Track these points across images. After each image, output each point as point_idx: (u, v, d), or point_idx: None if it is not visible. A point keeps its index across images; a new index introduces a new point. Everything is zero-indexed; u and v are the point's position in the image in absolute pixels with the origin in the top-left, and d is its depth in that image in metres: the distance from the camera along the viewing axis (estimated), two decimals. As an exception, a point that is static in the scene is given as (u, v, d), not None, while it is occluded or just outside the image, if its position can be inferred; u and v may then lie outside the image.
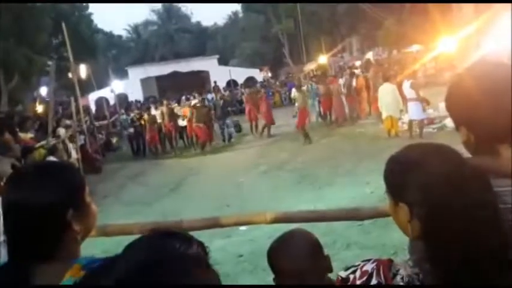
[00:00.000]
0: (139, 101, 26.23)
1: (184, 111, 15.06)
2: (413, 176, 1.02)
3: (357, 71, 19.48)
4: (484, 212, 0.98)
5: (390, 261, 1.07)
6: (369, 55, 35.48)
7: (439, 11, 21.04)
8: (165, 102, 16.16)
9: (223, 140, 14.83)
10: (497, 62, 1.25)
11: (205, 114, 14.00)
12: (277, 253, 1.53)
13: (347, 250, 4.82)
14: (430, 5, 21.72)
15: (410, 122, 11.06)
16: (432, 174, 0.99)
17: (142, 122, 14.81)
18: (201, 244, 1.01)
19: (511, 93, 1.14)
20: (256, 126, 15.78)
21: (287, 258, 1.49)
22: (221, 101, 17.80)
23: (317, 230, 2.85)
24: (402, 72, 14.41)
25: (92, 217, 1.24)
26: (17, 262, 1.13)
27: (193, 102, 16.04)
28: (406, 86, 11.10)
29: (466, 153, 1.36)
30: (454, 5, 19.06)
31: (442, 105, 12.50)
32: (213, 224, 2.68)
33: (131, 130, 15.56)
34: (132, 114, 16.83)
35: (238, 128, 15.77)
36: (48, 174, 1.18)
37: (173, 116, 14.87)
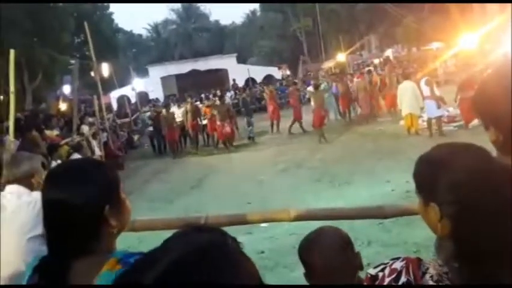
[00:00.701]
0: (155, 99, 26.38)
1: (205, 110, 14.99)
2: (443, 175, 1.02)
3: (371, 69, 19.29)
4: None
5: (419, 259, 1.07)
6: (388, 52, 35.13)
7: (459, 9, 20.77)
8: (189, 100, 16.01)
9: (249, 138, 14.63)
10: None
11: (227, 112, 13.87)
12: (308, 250, 1.56)
13: (368, 247, 4.85)
14: (451, 3, 21.44)
15: (429, 120, 10.98)
16: (462, 173, 1.00)
17: (162, 119, 14.56)
18: (234, 239, 1.07)
19: None
20: (278, 125, 15.72)
21: (318, 254, 1.51)
22: (248, 98, 17.32)
23: (337, 226, 2.91)
24: (422, 69, 14.30)
25: (127, 213, 1.28)
26: (56, 257, 1.18)
27: (208, 102, 16.10)
28: (422, 83, 11.05)
29: (493, 152, 1.40)
30: (475, 3, 18.84)
31: (463, 103, 12.35)
32: (239, 220, 2.67)
33: (151, 128, 15.57)
34: (149, 113, 16.97)
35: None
36: (85, 172, 1.22)
37: (197, 114, 14.81)
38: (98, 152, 11.72)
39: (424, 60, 22.77)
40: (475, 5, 18.49)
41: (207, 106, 15.25)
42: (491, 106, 1.23)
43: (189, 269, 0.64)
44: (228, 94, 25.91)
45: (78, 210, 1.15)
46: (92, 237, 1.17)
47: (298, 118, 14.91)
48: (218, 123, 13.67)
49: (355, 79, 16.67)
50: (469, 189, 0.99)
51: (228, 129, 13.53)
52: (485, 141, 1.30)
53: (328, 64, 33.67)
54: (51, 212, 1.19)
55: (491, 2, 18.57)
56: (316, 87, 14.27)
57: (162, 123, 14.37)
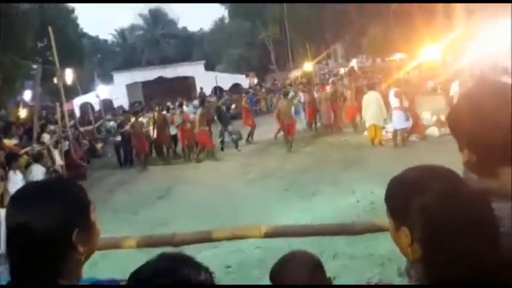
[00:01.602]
0: (120, 106, 25.87)
1: (175, 118, 14.19)
2: (414, 200, 1.02)
3: (335, 80, 19.54)
4: (484, 233, 0.98)
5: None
6: (353, 63, 35.88)
7: (423, 21, 21.44)
8: (157, 108, 15.48)
9: (222, 149, 13.93)
10: (498, 84, 1.27)
11: (208, 120, 13.20)
12: (280, 274, 1.57)
13: (334, 260, 4.86)
14: (415, 14, 22.11)
15: (395, 131, 11.20)
16: (432, 198, 1.00)
17: (130, 129, 13.67)
18: (207, 271, 1.04)
19: None
20: (253, 134, 15.43)
21: (290, 278, 1.53)
22: (224, 107, 16.98)
23: (304, 240, 2.89)
24: (386, 80, 14.63)
25: (96, 237, 1.22)
26: (19, 284, 1.11)
27: (184, 108, 15.49)
28: (391, 94, 11.27)
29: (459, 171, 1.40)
30: (439, 15, 19.49)
31: (425, 114, 12.73)
32: (206, 237, 2.64)
33: (118, 138, 14.47)
34: (118, 121, 15.88)
35: (239, 136, 14.28)
36: (53, 194, 1.15)
37: (165, 124, 14.10)
38: (59, 162, 11.38)
39: (388, 71, 23.30)
40: (439, 17, 19.13)
41: (180, 113, 14.33)
42: (464, 128, 1.23)
43: None
44: (195, 102, 25.81)
45: (44, 236, 1.08)
46: (58, 264, 1.11)
47: (252, 127, 14.89)
48: (198, 130, 12.86)
49: (315, 91, 16.79)
50: (439, 213, 0.99)
51: (209, 136, 13.04)
52: (443, 150, 1.31)
53: (295, 73, 34.03)
54: (14, 235, 1.11)
55: (491, 2, 19.24)
56: (285, 95, 14.23)
57: (131, 132, 13.58)
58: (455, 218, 0.98)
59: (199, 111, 13.49)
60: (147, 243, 2.65)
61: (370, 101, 11.68)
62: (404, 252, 1.07)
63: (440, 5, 18.07)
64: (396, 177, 1.12)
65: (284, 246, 5.10)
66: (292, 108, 14.35)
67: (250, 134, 15.43)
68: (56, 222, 1.09)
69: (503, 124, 1.15)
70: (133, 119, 13.95)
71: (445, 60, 16.15)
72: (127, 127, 14.02)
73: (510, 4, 16.14)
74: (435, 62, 20.59)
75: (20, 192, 1.22)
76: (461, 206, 0.99)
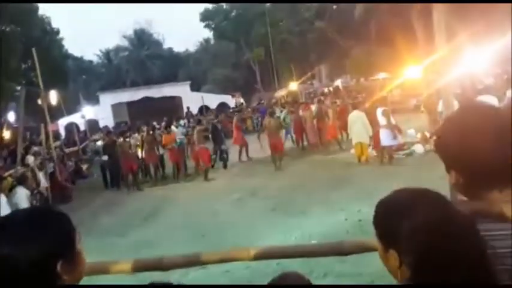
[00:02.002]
0: (105, 126, 25.64)
1: (166, 138, 14.02)
2: (403, 224, 1.03)
3: (322, 98, 19.76)
4: (472, 258, 1.00)
5: None
6: (338, 82, 36.39)
7: (404, 41, 21.93)
8: (145, 128, 15.00)
9: (212, 166, 13.79)
10: (483, 107, 1.28)
11: (205, 137, 13.01)
12: None
13: (324, 279, 4.86)
14: (396, 35, 22.60)
15: (382, 149, 11.33)
16: (420, 223, 1.01)
17: (118, 148, 13.23)
18: None
19: (499, 137, 1.16)
20: (247, 151, 15.28)
21: None
22: (219, 125, 16.25)
23: (293, 259, 2.89)
24: (370, 99, 14.85)
25: (82, 266, 1.19)
26: None
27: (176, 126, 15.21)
28: (378, 113, 11.44)
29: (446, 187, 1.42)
30: (420, 35, 19.94)
31: (410, 132, 12.93)
32: (195, 261, 2.60)
33: (105, 157, 13.99)
34: (103, 141, 15.56)
35: (227, 156, 14.21)
36: (38, 224, 1.12)
37: (154, 144, 13.81)
38: (44, 184, 11.23)
39: (371, 90, 23.63)
40: (420, 38, 19.56)
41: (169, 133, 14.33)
42: (451, 150, 1.24)
43: None
44: (182, 122, 25.80)
45: (28, 268, 1.04)
46: None
47: (243, 145, 14.93)
48: (197, 148, 12.75)
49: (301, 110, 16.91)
50: (428, 238, 1.00)
51: (208, 154, 12.72)
52: (428, 166, 1.32)
53: (280, 93, 34.35)
54: None
55: (490, 2, 19.67)
56: (271, 114, 14.19)
57: (118, 152, 13.18)
58: (445, 243, 1.00)
59: (197, 128, 13.55)
60: (135, 267, 2.61)
61: (356, 120, 11.84)
62: (393, 274, 1.09)
63: (421, 27, 18.50)
64: (384, 200, 1.13)
65: (273, 266, 5.11)
66: (283, 128, 14.57)
67: (244, 152, 15.32)
68: (41, 253, 1.07)
69: (488, 148, 1.16)
70: (120, 139, 13.57)
71: (427, 79, 16.48)
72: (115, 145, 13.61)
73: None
74: (417, 81, 21.00)
75: (4, 220, 1.19)
76: (450, 232, 1.01)
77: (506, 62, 25.23)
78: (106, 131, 18.86)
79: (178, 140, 13.87)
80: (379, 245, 1.12)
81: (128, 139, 13.78)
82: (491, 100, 10.41)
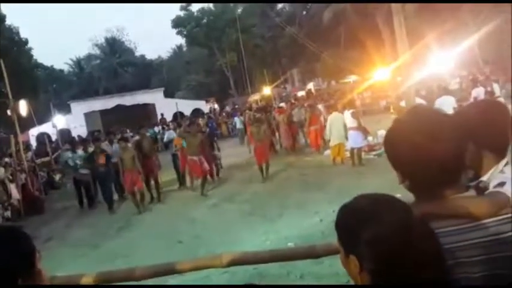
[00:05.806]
0: (79, 136, 24.83)
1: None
2: (363, 231, 1.04)
3: (295, 102, 19.90)
4: (430, 264, 1.04)
5: None
6: (310, 86, 36.83)
7: (372, 44, 22.39)
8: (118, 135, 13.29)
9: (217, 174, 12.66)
10: (430, 111, 1.29)
11: (200, 143, 11.08)
12: None
13: (301, 280, 4.91)
14: (365, 39, 23.06)
15: (352, 150, 11.50)
16: (381, 231, 1.03)
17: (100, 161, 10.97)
18: None
19: (443, 140, 1.17)
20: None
21: None
22: (207, 130, 14.87)
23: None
24: (341, 101, 15.08)
25: (42, 285, 1.19)
26: None
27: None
28: (347, 115, 11.61)
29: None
30: (386, 39, 20.39)
31: (380, 132, 13.19)
32: (168, 270, 2.59)
33: (84, 171, 11.54)
34: (83, 151, 12.22)
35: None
36: None
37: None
38: (16, 196, 10.97)
39: (342, 92, 24.03)
40: (387, 41, 20.00)
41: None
42: (395, 153, 1.25)
43: None
44: (156, 129, 25.58)
45: None
46: None
47: None
48: (188, 158, 11.11)
49: (275, 113, 16.98)
50: (388, 246, 1.02)
51: (206, 164, 11.02)
52: None
53: (254, 97, 34.49)
54: None
55: (490, 2, 20.11)
56: (259, 120, 12.83)
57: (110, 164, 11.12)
58: (406, 252, 1.02)
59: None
60: (106, 279, 2.57)
61: (336, 121, 11.86)
62: (353, 279, 1.11)
63: (388, 30, 18.93)
64: (347, 205, 1.14)
65: (250, 270, 5.14)
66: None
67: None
68: None
69: (431, 151, 1.17)
70: (122, 144, 10.87)
71: (395, 81, 16.87)
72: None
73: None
74: (386, 83, 21.46)
75: None
76: (411, 240, 1.03)
77: (471, 64, 26.14)
78: (80, 139, 16.54)
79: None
80: (340, 248, 1.15)
81: (129, 144, 11.49)
82: (449, 100, 10.76)
